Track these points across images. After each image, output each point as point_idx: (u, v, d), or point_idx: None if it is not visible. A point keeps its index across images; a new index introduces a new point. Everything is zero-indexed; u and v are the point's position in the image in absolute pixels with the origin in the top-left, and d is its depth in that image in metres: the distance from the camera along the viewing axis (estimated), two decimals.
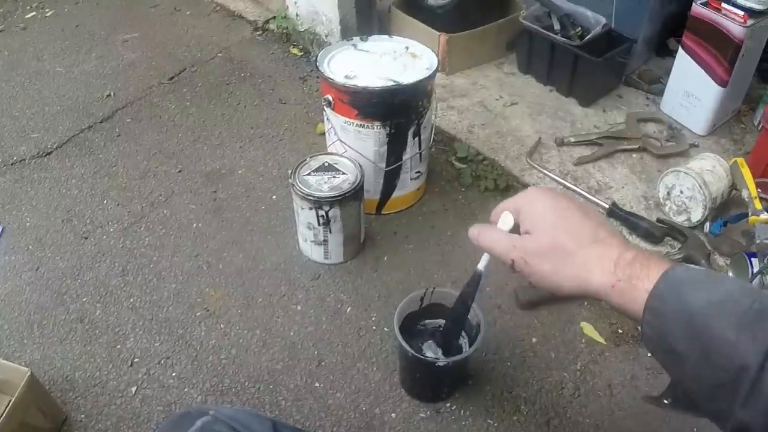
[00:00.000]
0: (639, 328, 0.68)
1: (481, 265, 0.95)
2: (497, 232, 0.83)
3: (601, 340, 1.55)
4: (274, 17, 2.74)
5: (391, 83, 1.59)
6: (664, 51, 2.50)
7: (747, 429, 0.59)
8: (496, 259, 0.83)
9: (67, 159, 2.08)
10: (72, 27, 2.84)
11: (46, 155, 2.10)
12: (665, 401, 0.77)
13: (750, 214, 1.62)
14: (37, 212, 1.88)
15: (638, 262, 0.69)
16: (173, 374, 1.46)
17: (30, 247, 1.77)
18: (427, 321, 1.41)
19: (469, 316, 1.33)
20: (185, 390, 1.43)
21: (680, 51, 2.07)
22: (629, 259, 0.70)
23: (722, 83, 1.98)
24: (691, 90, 2.08)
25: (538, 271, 0.75)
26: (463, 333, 1.38)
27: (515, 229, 0.82)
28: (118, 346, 1.51)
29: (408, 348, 1.23)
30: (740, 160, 1.72)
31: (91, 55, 2.63)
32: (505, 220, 0.83)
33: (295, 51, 2.64)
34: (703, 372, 0.61)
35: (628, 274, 0.68)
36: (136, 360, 1.49)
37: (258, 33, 2.77)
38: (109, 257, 1.74)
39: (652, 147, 2.03)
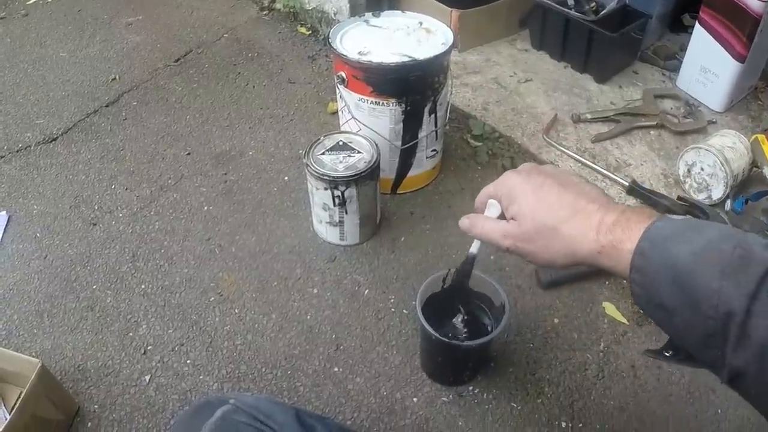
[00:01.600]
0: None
1: (473, 249, 1.06)
2: (488, 222, 0.89)
3: (624, 320, 1.52)
4: None
5: (406, 59, 1.55)
6: (678, 27, 2.48)
7: (741, 374, 0.60)
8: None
9: (73, 144, 2.05)
10: (74, 12, 2.81)
11: (51, 141, 2.06)
12: (666, 354, 0.79)
13: None
14: (44, 199, 1.85)
15: (619, 226, 0.71)
16: (188, 361, 1.43)
17: (38, 234, 1.74)
18: (450, 302, 1.36)
19: (492, 297, 1.32)
20: (200, 377, 1.40)
21: (697, 26, 2.04)
22: (609, 224, 0.72)
23: (740, 59, 1.95)
24: (708, 66, 2.05)
25: (530, 252, 0.81)
26: (489, 314, 1.35)
27: (503, 215, 0.87)
28: (131, 334, 1.49)
29: (431, 330, 1.20)
30: (761, 137, 1.69)
31: (94, 39, 2.60)
32: (491, 208, 0.90)
33: (302, 30, 2.60)
34: (692, 323, 0.63)
35: (610, 239, 0.71)
36: (149, 348, 1.46)
37: (264, 13, 2.74)
38: (119, 243, 1.71)
39: (670, 124, 2.01)
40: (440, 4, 2.26)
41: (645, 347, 1.44)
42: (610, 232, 0.72)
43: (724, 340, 0.60)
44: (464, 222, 0.91)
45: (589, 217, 0.75)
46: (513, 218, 0.83)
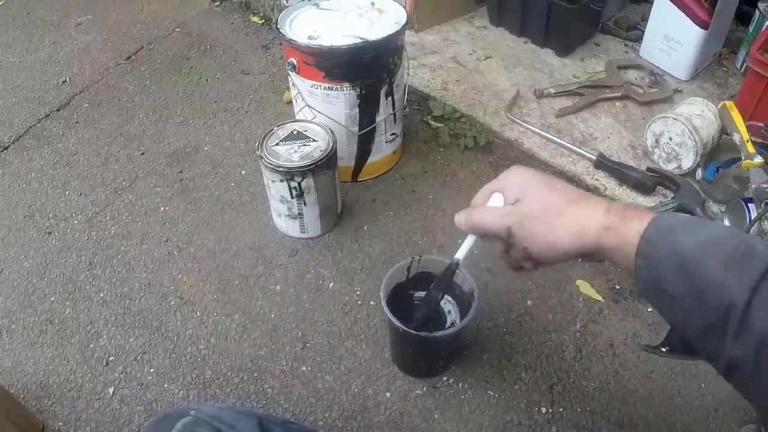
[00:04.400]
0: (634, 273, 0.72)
1: (459, 254, 1.01)
2: (488, 208, 0.88)
3: (599, 297, 1.50)
4: None
5: (358, 41, 1.51)
6: None
7: (738, 365, 0.63)
8: (486, 241, 0.90)
9: (25, 152, 1.98)
10: (23, 15, 2.74)
11: (2, 150, 2.00)
12: (663, 349, 0.86)
13: (743, 158, 1.58)
14: None
15: (629, 208, 0.75)
16: (151, 370, 1.38)
17: None
18: (416, 291, 1.34)
19: (460, 283, 1.28)
20: (165, 386, 1.35)
21: None
22: (620, 205, 0.76)
23: (703, 25, 1.94)
24: (671, 34, 2.04)
25: (535, 232, 0.80)
26: (455, 301, 1.32)
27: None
28: (92, 345, 1.43)
29: (398, 323, 1.15)
30: (729, 104, 1.67)
31: (44, 42, 2.54)
32: (495, 199, 0.87)
33: (255, 19, 2.57)
34: (694, 312, 0.65)
35: (621, 215, 0.74)
36: (111, 358, 1.40)
37: (216, 4, 2.69)
38: (75, 251, 1.65)
39: (636, 94, 1.99)
40: None
41: (623, 324, 1.45)
42: (620, 210, 0.75)
43: (724, 330, 0.62)
44: (459, 215, 0.90)
45: (598, 201, 0.78)
46: (518, 200, 0.83)
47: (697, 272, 0.64)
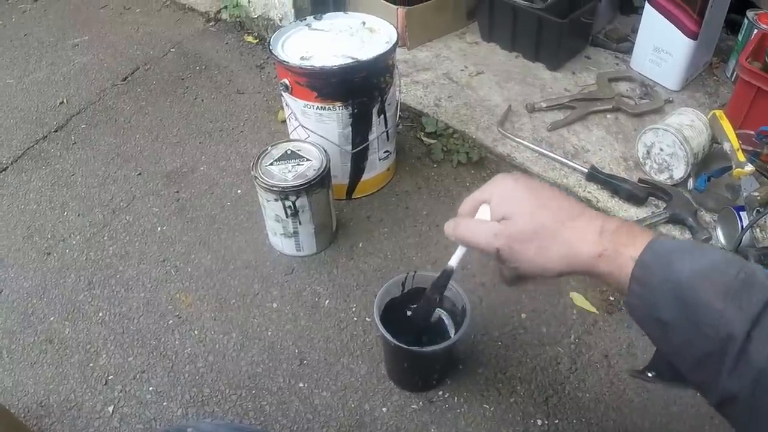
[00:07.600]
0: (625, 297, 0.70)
1: (452, 262, 0.95)
2: (476, 222, 0.83)
3: (593, 309, 1.50)
4: (226, 6, 2.67)
5: (349, 60, 1.52)
6: (628, 8, 2.51)
7: (733, 398, 0.60)
8: (477, 252, 0.83)
9: (24, 173, 2.00)
10: (20, 36, 2.76)
11: (1, 171, 2.01)
12: (649, 374, 0.81)
13: (734, 167, 1.59)
14: None
15: (623, 231, 0.72)
16: (150, 389, 1.39)
17: None
18: (411, 307, 1.32)
19: (453, 299, 1.28)
20: (164, 404, 1.36)
21: (647, 6, 2.05)
22: (613, 228, 0.72)
23: (692, 36, 1.96)
24: (660, 45, 2.06)
25: (525, 256, 0.76)
26: (448, 316, 1.33)
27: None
28: (91, 365, 1.44)
29: (391, 338, 1.17)
30: (719, 113, 1.68)
31: (41, 64, 2.55)
32: (483, 212, 0.83)
33: (250, 39, 2.58)
34: (690, 341, 0.63)
35: (614, 241, 0.71)
36: (110, 377, 1.41)
37: (210, 24, 2.71)
38: (74, 271, 1.66)
39: (627, 106, 2.00)
40: (385, 2, 2.24)
41: (617, 335, 1.45)
42: (614, 235, 0.71)
43: (721, 361, 0.60)
44: (449, 224, 0.85)
45: (591, 221, 0.74)
46: (505, 218, 0.78)
47: (694, 300, 0.62)
